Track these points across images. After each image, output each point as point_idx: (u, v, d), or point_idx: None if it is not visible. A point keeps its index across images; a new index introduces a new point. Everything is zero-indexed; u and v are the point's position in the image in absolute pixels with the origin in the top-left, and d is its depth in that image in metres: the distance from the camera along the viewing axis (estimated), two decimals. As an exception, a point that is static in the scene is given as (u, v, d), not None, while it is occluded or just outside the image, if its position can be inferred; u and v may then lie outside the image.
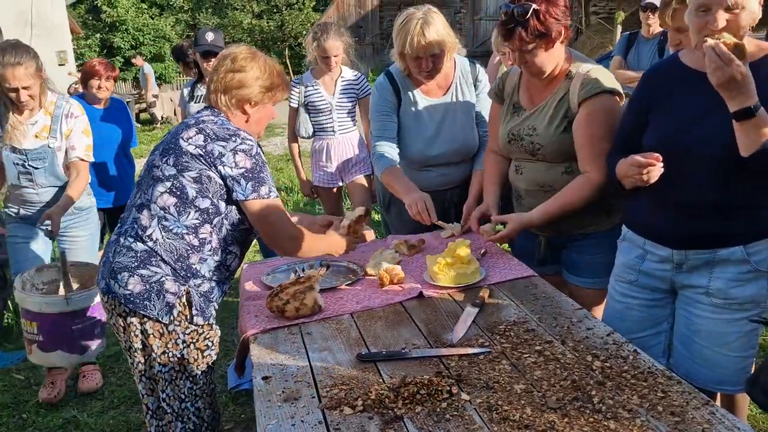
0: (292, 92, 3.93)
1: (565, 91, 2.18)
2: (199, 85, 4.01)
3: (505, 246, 2.89)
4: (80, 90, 4.15)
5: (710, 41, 1.62)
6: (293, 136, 4.05)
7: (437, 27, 2.43)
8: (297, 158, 4.16)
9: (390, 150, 2.66)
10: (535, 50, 2.07)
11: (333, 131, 3.87)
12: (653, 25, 5.30)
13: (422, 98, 2.66)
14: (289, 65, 27.41)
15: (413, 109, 2.66)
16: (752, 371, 1.90)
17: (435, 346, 1.73)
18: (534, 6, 2.00)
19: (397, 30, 2.49)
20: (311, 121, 3.90)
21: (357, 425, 1.39)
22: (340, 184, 4.01)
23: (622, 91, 2.18)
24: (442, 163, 2.68)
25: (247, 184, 1.91)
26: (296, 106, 3.91)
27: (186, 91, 4.11)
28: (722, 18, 1.66)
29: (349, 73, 3.85)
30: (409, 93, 2.66)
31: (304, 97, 3.83)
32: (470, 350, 1.68)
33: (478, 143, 2.71)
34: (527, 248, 2.42)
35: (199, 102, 3.91)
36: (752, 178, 1.72)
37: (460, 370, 1.59)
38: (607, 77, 2.14)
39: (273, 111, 2.13)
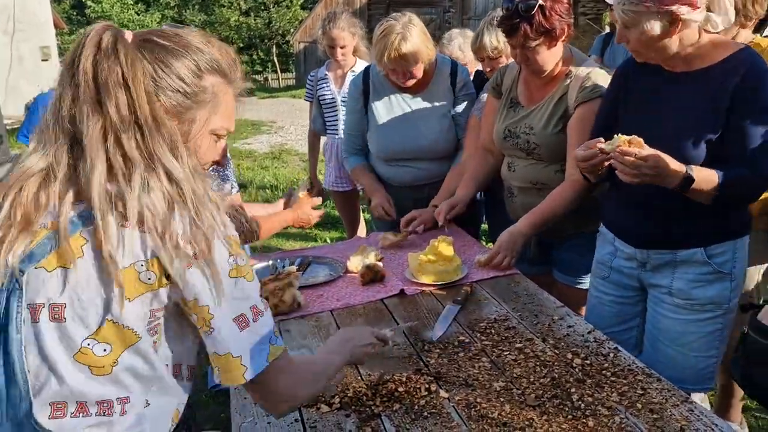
0: (307, 85, 3.84)
1: (564, 92, 2.16)
2: None
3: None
4: None
5: (608, 148, 1.67)
6: (311, 131, 3.94)
7: (414, 41, 2.43)
8: (312, 154, 4.05)
9: (358, 150, 2.80)
10: (538, 47, 2.06)
11: (337, 129, 3.70)
12: None
13: (396, 95, 2.67)
14: (276, 63, 27.32)
15: (386, 104, 2.68)
16: (715, 372, 1.92)
17: (415, 344, 1.71)
18: (540, 2, 1.98)
19: (375, 39, 2.50)
20: (324, 117, 3.76)
21: (334, 423, 1.37)
22: (352, 188, 3.77)
23: None
24: (412, 158, 2.69)
25: (213, 183, 1.90)
26: (310, 100, 3.80)
27: None
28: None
29: (362, 66, 3.65)
30: (384, 91, 2.68)
31: (317, 90, 3.71)
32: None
33: (456, 143, 2.70)
34: None
35: None
36: None
37: (439, 368, 1.57)
38: (606, 80, 2.10)
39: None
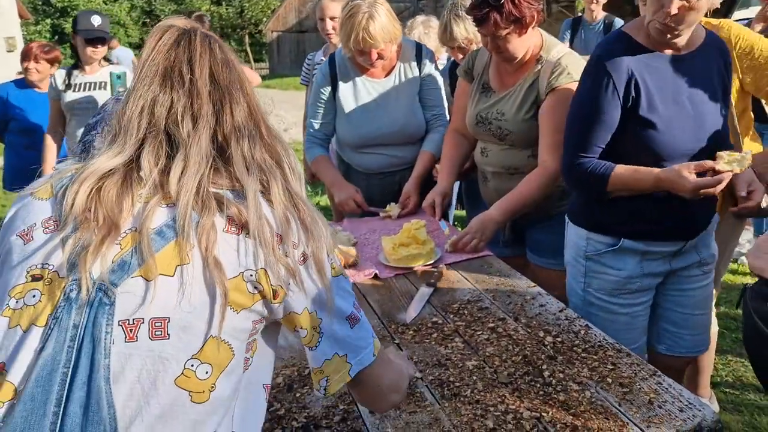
0: (304, 68, 3.71)
1: (535, 77, 2.15)
2: (76, 72, 3.50)
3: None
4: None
5: (737, 168, 1.61)
6: (306, 117, 3.71)
7: (382, 21, 2.40)
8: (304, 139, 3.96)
9: (321, 141, 2.76)
10: (508, 36, 2.05)
11: None
12: (596, 10, 5.47)
13: (364, 80, 2.65)
14: (249, 53, 27.01)
15: (353, 90, 2.65)
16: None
17: (389, 326, 1.71)
18: None
19: (342, 21, 2.46)
20: None
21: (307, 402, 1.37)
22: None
23: None
24: (382, 143, 2.67)
25: None
26: (305, 83, 3.68)
27: (59, 80, 3.50)
28: (675, 5, 1.61)
29: None
30: (350, 76, 2.66)
31: (313, 74, 3.56)
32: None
33: (424, 126, 2.69)
34: None
35: (78, 91, 3.47)
36: None
37: (412, 349, 1.57)
38: (577, 65, 2.08)
39: None
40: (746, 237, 4.04)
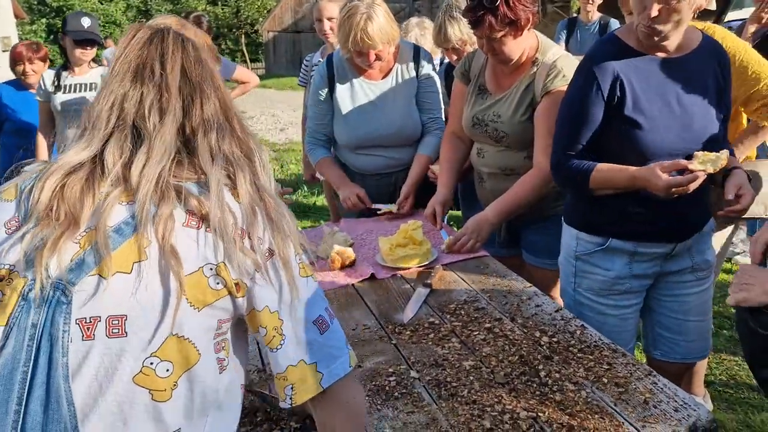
0: (302, 70, 3.70)
1: (531, 80, 2.16)
2: (65, 74, 3.51)
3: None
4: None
5: (711, 168, 1.62)
6: (305, 117, 3.70)
7: (380, 23, 2.41)
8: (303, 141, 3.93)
9: (323, 142, 2.77)
10: (504, 38, 2.06)
11: None
12: (592, 11, 5.49)
13: (361, 81, 2.65)
14: (245, 53, 26.97)
15: (350, 92, 2.65)
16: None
17: (386, 327, 1.72)
18: None
19: (340, 22, 2.47)
20: None
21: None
22: None
23: None
24: (379, 145, 2.68)
25: None
26: (303, 84, 3.67)
27: (48, 81, 3.49)
28: (655, 8, 1.62)
29: None
30: (347, 77, 2.66)
31: (311, 75, 3.49)
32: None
33: (421, 128, 2.69)
34: None
35: (68, 92, 3.49)
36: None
37: (409, 349, 1.58)
38: (573, 68, 2.05)
39: None
40: (740, 237, 4.05)
